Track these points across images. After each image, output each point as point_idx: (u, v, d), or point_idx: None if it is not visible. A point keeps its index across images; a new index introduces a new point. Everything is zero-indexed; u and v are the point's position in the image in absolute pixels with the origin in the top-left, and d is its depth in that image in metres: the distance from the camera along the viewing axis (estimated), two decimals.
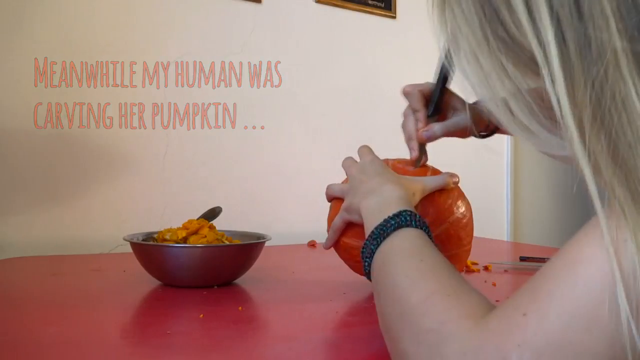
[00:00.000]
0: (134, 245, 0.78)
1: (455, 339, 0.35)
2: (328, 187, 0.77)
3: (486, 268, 0.93)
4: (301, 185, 1.48)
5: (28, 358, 0.47)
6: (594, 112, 0.30)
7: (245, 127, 1.41)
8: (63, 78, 1.19)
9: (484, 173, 1.88)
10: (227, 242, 0.81)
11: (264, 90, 1.44)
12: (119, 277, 0.85)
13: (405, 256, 0.47)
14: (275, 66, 1.46)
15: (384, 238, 0.51)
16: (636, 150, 0.29)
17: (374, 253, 0.51)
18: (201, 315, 0.61)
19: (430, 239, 0.51)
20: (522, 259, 0.99)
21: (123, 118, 1.25)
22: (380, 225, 0.52)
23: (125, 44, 1.26)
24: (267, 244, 0.83)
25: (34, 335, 0.53)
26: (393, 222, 0.51)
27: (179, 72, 1.32)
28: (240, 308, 0.65)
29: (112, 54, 1.24)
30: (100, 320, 0.60)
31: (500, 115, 0.35)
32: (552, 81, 0.30)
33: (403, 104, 0.80)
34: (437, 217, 0.69)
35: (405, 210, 0.53)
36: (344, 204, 0.68)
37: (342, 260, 0.76)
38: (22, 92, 1.15)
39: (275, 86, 1.46)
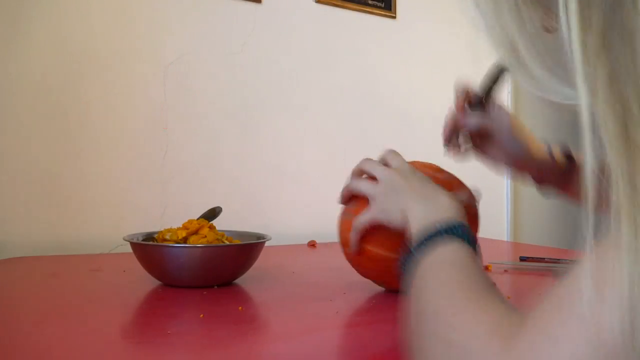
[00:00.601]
0: (134, 245, 0.78)
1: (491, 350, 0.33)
2: (351, 184, 0.68)
3: (486, 268, 0.93)
4: (301, 185, 1.48)
5: (28, 358, 0.47)
6: (602, 39, 0.29)
7: (245, 127, 1.41)
8: (62, 78, 1.19)
9: (484, 173, 1.88)
10: (227, 242, 0.81)
11: (264, 90, 1.44)
12: (119, 277, 0.85)
13: (450, 269, 0.45)
14: (275, 66, 1.46)
15: (435, 245, 0.48)
16: (635, 81, 0.29)
17: (419, 257, 0.48)
18: (201, 315, 0.61)
19: (478, 256, 0.49)
20: (522, 259, 0.99)
21: (123, 118, 1.25)
22: (432, 231, 0.50)
23: (125, 43, 1.26)
24: (267, 244, 0.83)
25: (34, 335, 0.53)
26: (447, 231, 0.49)
27: (179, 71, 1.32)
28: (240, 308, 0.65)
29: (112, 54, 1.24)
30: (100, 320, 0.60)
31: (505, 52, 0.35)
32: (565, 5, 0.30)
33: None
34: None
35: (462, 223, 0.51)
36: (379, 204, 0.63)
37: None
38: (22, 92, 1.15)
39: (275, 86, 1.46)
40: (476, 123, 0.74)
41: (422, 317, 0.41)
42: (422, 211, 0.56)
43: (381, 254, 0.66)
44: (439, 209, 0.54)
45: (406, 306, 0.44)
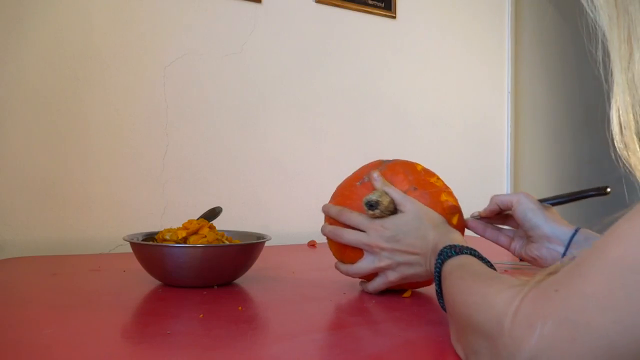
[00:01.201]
0: (134, 245, 0.78)
1: (500, 303, 0.39)
2: (350, 236, 0.72)
3: None
4: (301, 185, 1.48)
5: (28, 358, 0.47)
6: None
7: (246, 127, 1.41)
8: (62, 78, 1.19)
9: (484, 173, 1.88)
10: (227, 242, 0.81)
11: (264, 90, 1.44)
12: (119, 277, 0.85)
13: (453, 274, 0.53)
14: (275, 66, 1.46)
15: (438, 274, 0.58)
16: None
17: (443, 266, 0.57)
18: (201, 315, 0.61)
19: (479, 257, 0.57)
20: (522, 259, 0.99)
21: (123, 118, 1.25)
22: (450, 250, 0.59)
23: (125, 43, 1.26)
24: (267, 244, 0.83)
25: (34, 335, 0.53)
26: (439, 260, 0.58)
27: (179, 71, 1.32)
28: (240, 308, 0.65)
29: (112, 54, 1.24)
30: (100, 320, 0.60)
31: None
32: None
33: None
34: None
35: (447, 247, 0.60)
36: (394, 270, 0.70)
37: None
38: (22, 93, 1.15)
39: (275, 86, 1.46)
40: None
41: (453, 298, 0.49)
42: (437, 241, 0.65)
43: None
44: (451, 238, 0.64)
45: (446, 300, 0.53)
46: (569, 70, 2.18)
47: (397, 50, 1.68)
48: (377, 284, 0.72)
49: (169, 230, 0.82)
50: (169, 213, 1.28)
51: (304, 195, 1.47)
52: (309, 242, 1.29)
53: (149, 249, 0.77)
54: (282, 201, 1.45)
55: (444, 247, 0.59)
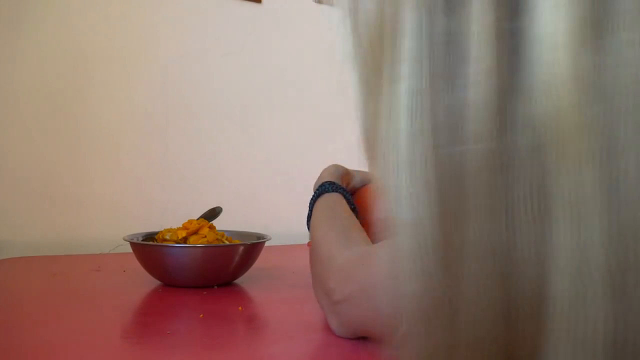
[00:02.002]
0: (134, 245, 0.78)
1: (333, 263, 0.54)
2: None
3: None
4: (301, 185, 1.48)
5: (28, 358, 0.47)
6: None
7: (245, 127, 1.41)
8: (62, 78, 1.19)
9: None
10: (227, 242, 0.81)
11: (264, 90, 1.44)
12: (119, 277, 0.85)
13: (321, 211, 0.67)
14: (275, 66, 1.46)
15: (313, 202, 0.70)
16: None
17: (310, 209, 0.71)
18: (201, 315, 0.61)
19: (347, 197, 0.69)
20: None
21: (123, 118, 1.25)
22: (310, 199, 0.72)
23: (124, 43, 1.26)
24: (267, 244, 0.83)
25: (34, 335, 0.53)
26: (317, 192, 0.71)
27: (179, 71, 1.32)
28: (240, 308, 0.65)
29: (112, 54, 1.24)
30: (100, 320, 0.60)
31: None
32: None
33: None
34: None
35: (327, 182, 0.71)
36: None
37: None
38: (22, 92, 1.15)
39: (275, 86, 1.46)
40: None
41: (314, 235, 0.64)
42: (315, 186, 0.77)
43: None
44: (319, 181, 0.76)
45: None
46: None
47: None
48: None
49: (169, 230, 0.81)
50: (169, 213, 1.28)
51: (304, 195, 1.47)
52: (309, 242, 1.29)
53: (149, 249, 0.77)
54: (282, 201, 1.45)
55: (325, 182, 0.71)
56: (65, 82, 1.19)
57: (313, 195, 0.71)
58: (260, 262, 0.83)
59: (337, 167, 0.80)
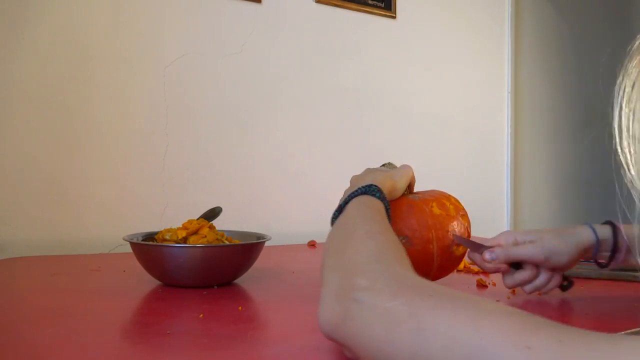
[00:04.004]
0: (134, 245, 0.78)
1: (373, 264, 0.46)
2: None
3: None
4: (301, 185, 1.48)
5: (28, 358, 0.47)
6: None
7: (245, 127, 1.41)
8: (62, 78, 1.19)
9: (484, 173, 1.88)
10: (227, 242, 0.81)
11: (264, 90, 1.44)
12: (119, 277, 0.85)
13: (359, 215, 0.58)
14: (275, 66, 1.46)
15: (349, 201, 0.62)
16: None
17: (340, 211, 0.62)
18: (201, 315, 0.61)
19: (388, 216, 0.62)
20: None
21: (123, 118, 1.25)
22: (351, 193, 0.63)
23: (125, 43, 1.26)
24: (267, 244, 0.83)
25: (34, 335, 0.53)
26: (361, 190, 0.63)
27: (179, 71, 1.32)
28: (240, 308, 0.65)
29: (112, 54, 1.24)
30: (100, 320, 0.60)
31: None
32: None
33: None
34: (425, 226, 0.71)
35: (374, 185, 0.63)
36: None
37: None
38: (22, 93, 1.15)
39: (275, 86, 1.46)
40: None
41: (334, 241, 0.56)
42: (355, 186, 0.66)
43: None
44: (364, 181, 0.66)
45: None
46: (569, 71, 2.18)
47: (397, 50, 1.68)
48: None
49: (169, 230, 0.81)
50: (169, 213, 1.28)
51: (304, 195, 1.47)
52: (309, 242, 1.29)
53: (148, 249, 0.77)
54: (282, 201, 1.45)
55: (373, 185, 0.64)
56: (65, 82, 1.19)
57: (356, 190, 0.63)
58: (260, 262, 0.83)
59: (386, 179, 0.70)
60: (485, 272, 0.90)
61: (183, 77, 1.33)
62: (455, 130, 1.79)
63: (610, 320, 0.64)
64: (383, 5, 1.64)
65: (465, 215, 0.77)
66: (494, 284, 0.81)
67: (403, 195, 0.74)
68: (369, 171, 0.72)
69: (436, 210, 0.73)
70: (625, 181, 0.37)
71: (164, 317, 0.62)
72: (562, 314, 0.67)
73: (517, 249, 0.68)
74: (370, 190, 0.63)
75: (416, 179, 0.77)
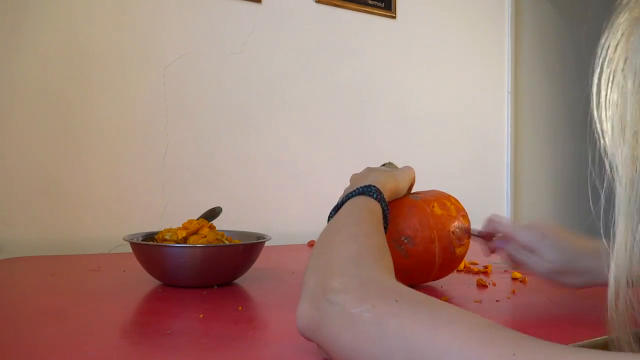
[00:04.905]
0: (134, 245, 0.78)
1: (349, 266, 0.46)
2: None
3: (486, 268, 0.93)
4: (301, 185, 1.48)
5: (28, 358, 0.47)
6: None
7: (245, 127, 1.41)
8: (62, 78, 1.19)
9: (483, 173, 1.88)
10: (227, 242, 0.81)
11: (264, 90, 1.44)
12: (119, 277, 0.85)
13: (349, 216, 0.57)
14: (275, 66, 1.46)
15: (345, 201, 0.61)
16: None
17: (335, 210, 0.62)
18: (201, 315, 0.61)
19: (385, 217, 0.61)
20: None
21: (123, 118, 1.25)
22: (348, 193, 0.62)
23: (125, 43, 1.26)
24: (267, 244, 0.83)
25: (34, 335, 0.53)
26: (358, 190, 0.61)
27: (179, 71, 1.32)
28: (240, 308, 0.65)
29: (112, 54, 1.24)
30: (100, 320, 0.60)
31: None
32: None
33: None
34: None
35: (373, 186, 0.62)
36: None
37: None
38: (22, 93, 1.15)
39: (275, 86, 1.46)
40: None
41: (322, 239, 0.55)
42: (349, 188, 0.66)
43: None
44: (365, 181, 0.65)
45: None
46: (569, 70, 2.18)
47: (397, 50, 1.68)
48: None
49: (169, 230, 0.81)
50: (169, 213, 1.28)
51: (304, 195, 1.47)
52: (309, 242, 1.29)
53: (149, 249, 0.77)
54: (282, 201, 1.45)
55: (372, 185, 0.62)
56: (65, 82, 1.19)
57: (353, 190, 0.62)
58: (260, 262, 0.83)
59: (388, 179, 0.68)
60: (485, 272, 0.91)
61: (183, 77, 1.33)
62: (455, 130, 1.79)
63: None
64: (383, 5, 1.64)
65: (465, 216, 0.77)
66: (494, 284, 0.81)
67: (404, 195, 0.74)
68: (369, 170, 0.71)
69: (437, 210, 0.73)
70: (597, 152, 0.34)
71: (164, 317, 0.62)
72: (550, 318, 0.67)
73: (529, 256, 0.68)
74: (368, 190, 0.61)
75: (416, 179, 0.77)
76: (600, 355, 0.29)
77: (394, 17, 1.67)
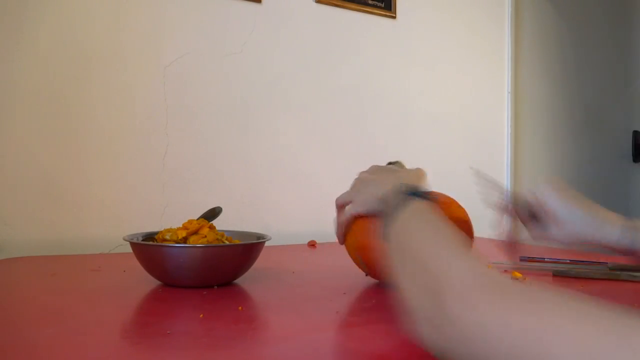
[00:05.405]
0: (134, 245, 0.78)
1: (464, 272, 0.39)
2: (337, 199, 0.76)
3: None
4: (301, 185, 1.48)
5: (28, 358, 0.47)
6: None
7: (245, 127, 1.41)
8: (62, 78, 1.19)
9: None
10: (227, 242, 0.81)
11: (264, 90, 1.44)
12: (119, 277, 0.85)
13: (424, 223, 0.50)
14: (275, 66, 1.46)
15: (403, 206, 0.53)
16: None
17: (392, 219, 0.53)
18: (201, 315, 0.61)
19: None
20: (522, 259, 0.99)
21: (123, 118, 1.25)
22: (397, 197, 0.55)
23: (125, 43, 1.26)
24: (267, 244, 0.83)
25: (34, 335, 0.53)
26: (410, 194, 0.55)
27: (179, 71, 1.32)
28: (240, 308, 0.65)
29: (112, 54, 1.24)
30: (100, 320, 0.60)
31: None
32: None
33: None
34: None
35: (421, 188, 0.58)
36: (356, 201, 0.70)
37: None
38: (22, 93, 1.15)
39: (275, 86, 1.46)
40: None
41: (406, 255, 0.46)
42: (392, 184, 0.61)
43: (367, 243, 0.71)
44: (404, 180, 0.63)
45: (389, 252, 0.49)
46: (569, 70, 2.18)
47: (397, 50, 1.68)
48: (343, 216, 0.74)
49: (169, 230, 0.81)
50: (169, 213, 1.28)
51: (304, 195, 1.47)
52: (309, 242, 1.29)
53: (149, 249, 0.77)
54: (282, 201, 1.45)
55: (410, 190, 0.56)
56: (65, 82, 1.19)
57: (414, 192, 0.56)
58: (260, 262, 0.83)
59: (412, 181, 0.65)
60: None
61: (183, 77, 1.33)
62: (455, 130, 1.79)
63: None
64: (383, 5, 1.64)
65: (468, 221, 0.77)
66: None
67: None
68: (390, 171, 0.69)
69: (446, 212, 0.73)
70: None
71: (164, 317, 0.62)
72: None
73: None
74: (421, 195, 0.56)
75: None
76: None
77: (394, 17, 1.67)
